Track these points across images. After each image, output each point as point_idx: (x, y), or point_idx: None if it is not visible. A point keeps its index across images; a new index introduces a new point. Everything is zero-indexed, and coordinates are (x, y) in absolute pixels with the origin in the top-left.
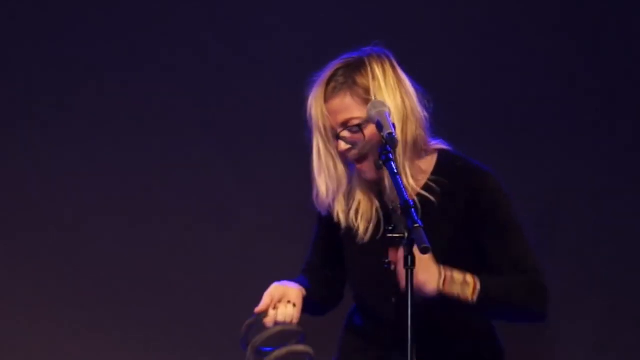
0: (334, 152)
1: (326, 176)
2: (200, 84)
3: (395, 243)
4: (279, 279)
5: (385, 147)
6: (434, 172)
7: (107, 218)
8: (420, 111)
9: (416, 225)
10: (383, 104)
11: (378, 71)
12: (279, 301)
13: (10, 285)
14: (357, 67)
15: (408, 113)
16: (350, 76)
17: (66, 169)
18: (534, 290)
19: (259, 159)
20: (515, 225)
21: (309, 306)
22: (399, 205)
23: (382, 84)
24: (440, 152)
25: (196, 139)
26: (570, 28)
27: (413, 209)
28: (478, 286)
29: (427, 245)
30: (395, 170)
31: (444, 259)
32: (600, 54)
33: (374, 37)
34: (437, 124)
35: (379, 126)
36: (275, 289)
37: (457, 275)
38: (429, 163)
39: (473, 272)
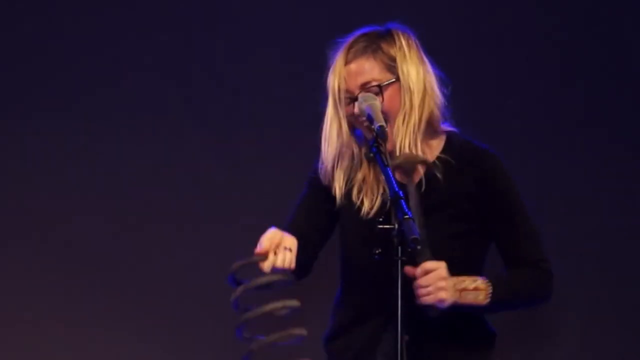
0: (342, 117)
1: (330, 142)
2: (197, 83)
3: (387, 235)
4: None
5: (376, 139)
6: (443, 151)
7: (106, 219)
8: (438, 92)
9: (406, 216)
10: (374, 97)
11: (404, 42)
12: (277, 246)
13: (12, 286)
14: (383, 35)
15: (427, 89)
16: (375, 41)
17: (64, 169)
18: (542, 282)
19: (257, 158)
20: (524, 210)
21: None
22: (389, 197)
23: (407, 55)
24: (450, 134)
25: (193, 138)
26: (561, 32)
27: (403, 201)
28: (490, 290)
29: (417, 236)
30: (385, 163)
31: (446, 239)
32: (591, 57)
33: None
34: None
35: (370, 119)
36: (274, 234)
37: (470, 283)
38: (438, 143)
39: (474, 253)
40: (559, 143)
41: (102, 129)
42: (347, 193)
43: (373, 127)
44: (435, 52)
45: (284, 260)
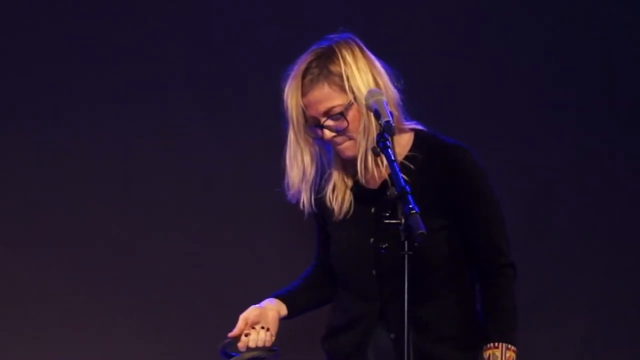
0: (302, 144)
1: (294, 167)
2: (204, 83)
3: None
4: (282, 280)
5: (383, 134)
6: (410, 151)
7: (107, 220)
8: (393, 90)
9: (413, 211)
10: (380, 92)
11: (349, 57)
12: (253, 326)
13: (13, 286)
14: (328, 57)
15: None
16: (325, 66)
17: (67, 170)
18: (512, 279)
19: (263, 157)
20: (492, 201)
21: (305, 309)
22: (395, 192)
23: (354, 68)
24: (417, 132)
25: (199, 140)
26: (557, 26)
27: (410, 195)
28: (508, 346)
29: (423, 231)
30: (393, 157)
31: (429, 234)
32: (587, 52)
33: (368, 36)
34: (432, 121)
35: (377, 114)
36: (251, 313)
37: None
38: (405, 142)
39: (447, 251)
40: (559, 143)
41: (107, 128)
42: (321, 202)
43: (380, 122)
44: (431, 52)
45: (256, 341)
